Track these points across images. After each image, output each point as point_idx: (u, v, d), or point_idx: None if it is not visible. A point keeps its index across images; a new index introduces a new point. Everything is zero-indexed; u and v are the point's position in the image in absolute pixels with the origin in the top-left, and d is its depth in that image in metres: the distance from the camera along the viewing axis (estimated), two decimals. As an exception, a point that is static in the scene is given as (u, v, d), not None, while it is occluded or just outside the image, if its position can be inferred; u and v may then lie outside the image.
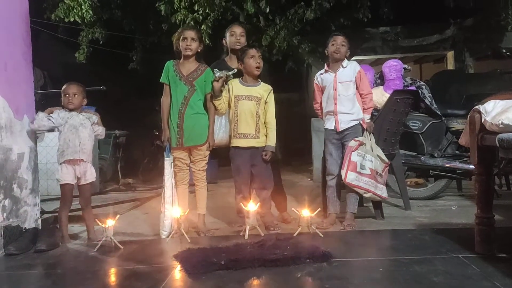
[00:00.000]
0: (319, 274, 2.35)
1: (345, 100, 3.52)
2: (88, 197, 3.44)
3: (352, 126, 3.51)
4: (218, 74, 3.35)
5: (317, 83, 3.71)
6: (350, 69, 3.56)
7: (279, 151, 3.88)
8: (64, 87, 3.39)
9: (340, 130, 3.52)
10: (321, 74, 3.67)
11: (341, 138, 3.55)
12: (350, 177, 3.40)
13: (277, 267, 2.44)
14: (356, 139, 3.46)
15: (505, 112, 2.24)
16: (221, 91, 3.41)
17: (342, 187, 3.57)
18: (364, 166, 3.43)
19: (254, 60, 3.42)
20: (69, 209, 3.39)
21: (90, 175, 3.38)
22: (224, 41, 3.79)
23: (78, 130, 3.32)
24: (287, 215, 3.73)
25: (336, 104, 3.53)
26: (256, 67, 3.43)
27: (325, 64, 3.67)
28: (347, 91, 3.53)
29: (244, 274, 2.36)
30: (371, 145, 3.52)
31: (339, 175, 3.50)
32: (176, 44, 3.46)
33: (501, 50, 5.68)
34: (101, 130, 3.51)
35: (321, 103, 3.69)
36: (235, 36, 3.71)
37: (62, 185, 3.30)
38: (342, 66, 3.56)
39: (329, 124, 3.59)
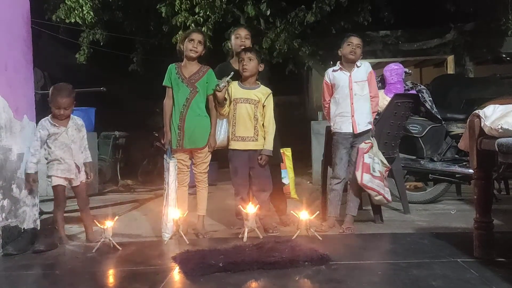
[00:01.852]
0: (318, 277, 2.35)
1: (362, 100, 3.47)
2: (84, 197, 3.44)
3: (369, 130, 3.48)
4: (222, 84, 3.35)
5: (328, 80, 3.60)
6: (363, 68, 3.53)
7: (280, 155, 3.87)
8: (54, 95, 3.23)
9: (358, 132, 3.46)
10: (335, 70, 3.57)
11: (354, 141, 3.49)
12: (366, 179, 3.36)
13: (276, 270, 2.43)
14: (367, 141, 3.45)
15: (505, 117, 2.25)
16: (226, 99, 3.42)
17: (344, 191, 3.56)
18: (375, 168, 3.40)
19: (241, 63, 3.43)
20: (64, 209, 3.39)
21: (81, 174, 3.40)
22: (230, 44, 3.79)
23: (71, 148, 3.31)
24: (286, 218, 3.73)
25: (352, 104, 3.46)
26: (244, 69, 3.43)
27: (338, 62, 3.58)
28: (363, 90, 3.49)
29: (243, 276, 2.36)
30: (376, 148, 3.52)
31: (345, 179, 3.49)
32: (180, 44, 3.46)
33: (501, 54, 5.69)
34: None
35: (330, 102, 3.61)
36: (240, 38, 3.72)
37: (54, 187, 3.30)
38: (357, 65, 3.52)
39: (345, 127, 3.47)
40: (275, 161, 3.70)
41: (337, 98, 3.53)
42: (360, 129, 3.46)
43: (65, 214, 3.47)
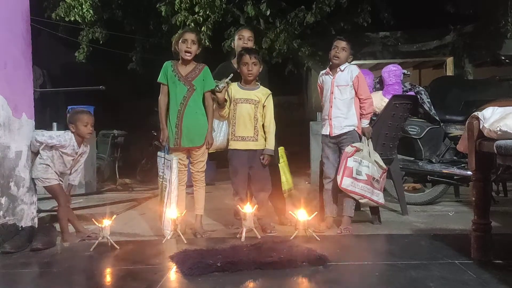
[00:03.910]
0: (315, 277, 2.35)
1: (340, 104, 3.52)
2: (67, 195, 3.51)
3: (347, 132, 3.50)
4: (221, 85, 3.36)
5: (320, 82, 3.73)
6: (347, 72, 3.54)
7: (278, 155, 3.88)
8: (83, 115, 3.36)
9: (334, 135, 3.53)
10: (323, 74, 3.69)
11: (337, 142, 3.55)
12: (345, 183, 3.39)
13: (273, 270, 2.43)
14: (353, 145, 3.46)
15: (503, 119, 2.25)
16: (226, 100, 3.42)
17: (339, 191, 3.56)
18: (361, 172, 3.42)
19: (246, 67, 3.43)
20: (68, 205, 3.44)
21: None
22: (232, 44, 3.82)
23: (64, 172, 3.43)
24: (285, 218, 3.73)
25: (331, 107, 3.54)
26: (248, 74, 3.44)
27: (328, 66, 3.66)
28: (343, 95, 3.53)
29: (240, 276, 2.36)
30: (368, 150, 3.52)
31: (336, 178, 3.50)
32: (175, 45, 3.45)
33: (500, 57, 5.70)
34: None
35: None
36: (243, 40, 3.75)
37: (52, 186, 3.34)
38: (340, 69, 3.55)
39: (324, 130, 3.60)
40: (274, 161, 3.71)
41: (323, 101, 3.66)
42: (335, 132, 3.53)
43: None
